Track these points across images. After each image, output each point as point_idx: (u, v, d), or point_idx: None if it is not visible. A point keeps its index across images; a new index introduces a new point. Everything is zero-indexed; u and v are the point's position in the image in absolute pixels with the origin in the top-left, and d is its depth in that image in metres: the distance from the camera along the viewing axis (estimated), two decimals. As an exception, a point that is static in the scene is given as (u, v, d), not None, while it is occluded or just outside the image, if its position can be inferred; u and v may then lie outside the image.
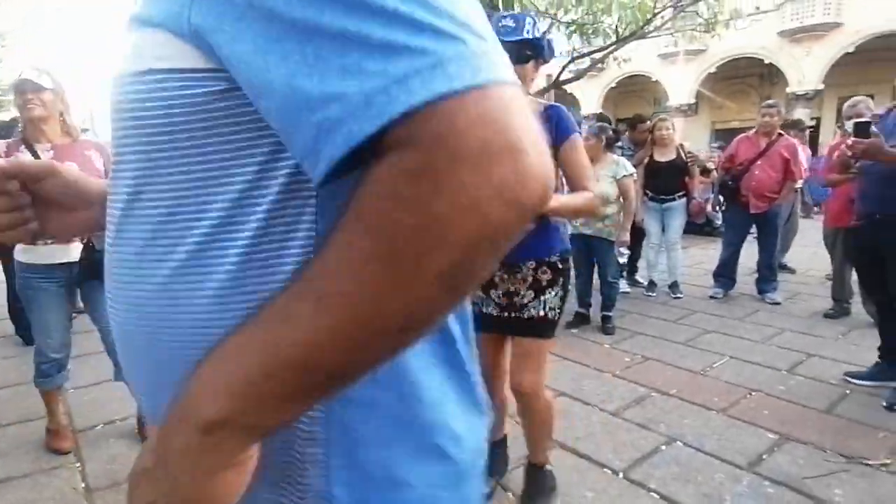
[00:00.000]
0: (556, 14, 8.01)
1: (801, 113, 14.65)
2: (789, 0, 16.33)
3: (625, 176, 3.64)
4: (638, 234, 4.57)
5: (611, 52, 8.58)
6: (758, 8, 16.53)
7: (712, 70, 18.58)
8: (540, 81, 12.39)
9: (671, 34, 9.11)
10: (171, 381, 0.37)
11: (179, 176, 0.38)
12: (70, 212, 0.60)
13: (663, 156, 4.42)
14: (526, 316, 1.70)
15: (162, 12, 0.36)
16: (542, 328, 1.73)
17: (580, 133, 1.76)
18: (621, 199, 3.69)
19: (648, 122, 4.75)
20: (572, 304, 3.97)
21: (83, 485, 2.04)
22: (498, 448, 1.99)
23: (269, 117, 0.34)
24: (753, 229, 4.45)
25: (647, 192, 4.46)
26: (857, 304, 3.79)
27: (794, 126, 5.33)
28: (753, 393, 2.74)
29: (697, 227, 7.25)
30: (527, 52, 1.53)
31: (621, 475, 2.06)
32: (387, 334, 0.32)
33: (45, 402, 2.27)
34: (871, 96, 10.30)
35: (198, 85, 0.36)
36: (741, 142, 4.45)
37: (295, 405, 0.34)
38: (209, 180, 0.38)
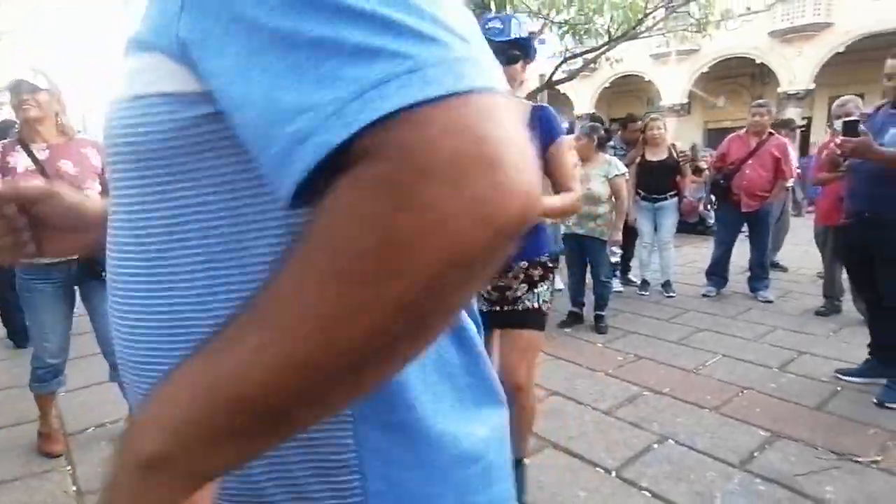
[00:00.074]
0: (548, 14, 8.04)
1: (793, 112, 14.76)
2: (780, 0, 16.47)
3: (616, 175, 3.65)
4: (631, 233, 4.59)
5: (603, 53, 8.62)
6: (749, 8, 16.67)
7: (705, 70, 18.69)
8: (533, 82, 12.44)
9: (663, 34, 9.16)
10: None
11: (177, 202, 0.38)
12: (70, 233, 0.59)
13: (655, 155, 4.44)
14: (521, 308, 1.74)
15: (153, 32, 0.36)
16: (538, 319, 1.77)
17: (565, 135, 1.80)
18: (613, 199, 3.70)
19: (640, 122, 4.77)
20: (566, 304, 3.98)
21: (74, 488, 2.03)
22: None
23: (244, 134, 0.32)
24: (745, 228, 4.48)
25: (639, 191, 4.48)
26: (847, 302, 3.82)
27: (784, 125, 5.36)
28: (745, 391, 2.76)
29: (690, 226, 7.28)
30: (515, 52, 1.54)
31: (614, 474, 2.07)
32: (339, 371, 0.28)
33: (39, 405, 2.26)
34: (862, 95, 10.40)
35: (188, 108, 0.35)
36: (732, 141, 4.48)
37: (239, 447, 0.30)
38: (208, 205, 0.37)
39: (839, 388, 2.75)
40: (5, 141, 2.18)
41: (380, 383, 0.31)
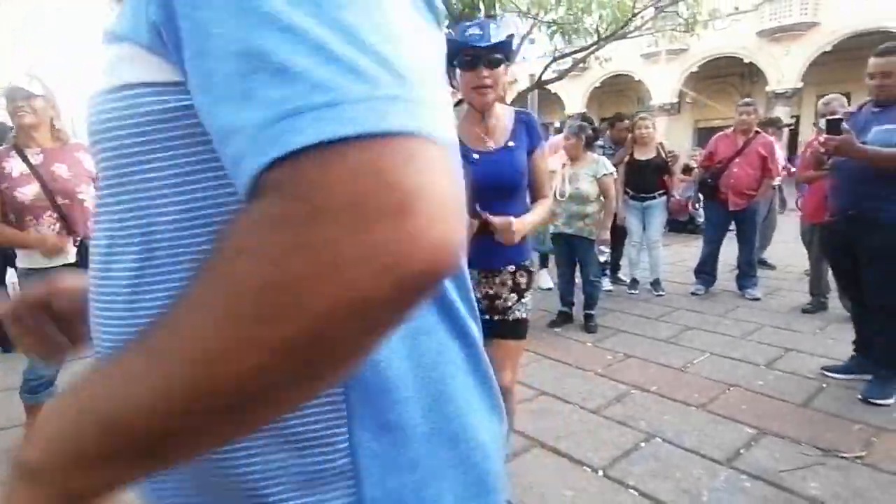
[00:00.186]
0: (537, 14, 8.06)
1: (781, 111, 14.91)
2: (767, 0, 16.62)
3: (605, 174, 3.66)
4: (620, 232, 4.60)
5: (592, 52, 8.66)
6: (737, 8, 16.82)
7: (694, 69, 18.83)
8: (523, 82, 12.48)
9: (651, 34, 9.22)
10: None
11: (164, 199, 0.36)
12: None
13: (644, 154, 4.45)
14: (512, 318, 1.77)
15: (126, 21, 0.35)
16: (525, 329, 1.82)
17: (545, 142, 1.87)
18: (602, 198, 3.71)
19: (627, 121, 4.79)
20: (555, 303, 3.99)
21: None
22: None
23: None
24: (733, 226, 4.51)
25: (628, 190, 4.50)
26: (834, 299, 3.85)
27: (771, 124, 5.40)
28: (732, 388, 2.77)
29: (680, 225, 7.34)
30: (496, 56, 1.54)
31: (601, 473, 2.07)
32: (218, 407, 0.27)
33: (27, 411, 2.25)
34: (849, 94, 10.53)
35: (169, 99, 0.34)
36: (720, 140, 4.51)
37: (116, 470, 0.29)
38: (197, 202, 0.36)
39: (825, 385, 2.77)
40: (0, 147, 2.21)
41: (267, 422, 0.31)
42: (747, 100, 4.55)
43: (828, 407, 2.54)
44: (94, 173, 2.14)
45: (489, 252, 1.69)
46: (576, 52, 8.87)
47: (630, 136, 4.60)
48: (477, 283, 1.73)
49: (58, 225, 2.14)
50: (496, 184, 1.64)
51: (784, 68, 16.79)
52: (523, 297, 1.78)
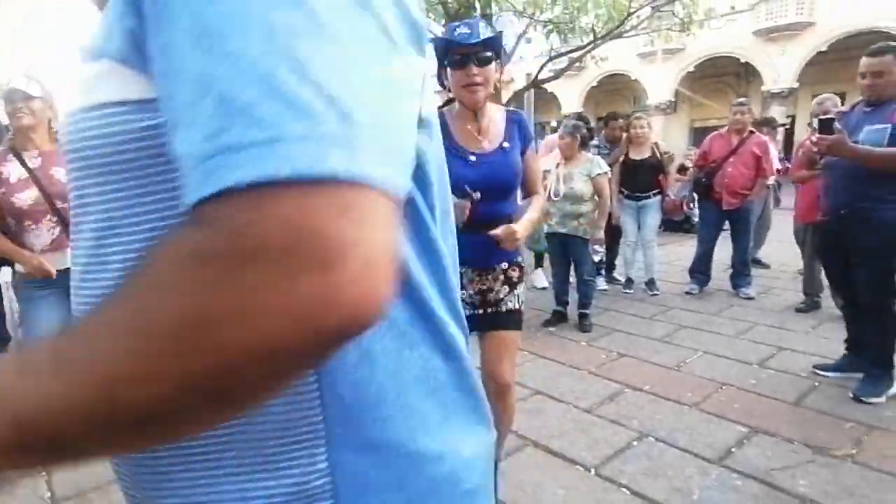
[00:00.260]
0: (533, 14, 8.07)
1: (777, 111, 14.97)
2: (763, 0, 16.66)
3: (599, 174, 3.67)
4: (615, 232, 4.62)
5: (588, 51, 8.67)
6: (733, 8, 16.86)
7: (690, 69, 18.87)
8: (519, 81, 12.46)
9: (647, 34, 9.23)
10: None
11: (139, 217, 0.36)
12: None
13: (638, 154, 4.46)
14: (505, 309, 1.79)
15: (104, 37, 0.35)
16: (518, 320, 1.83)
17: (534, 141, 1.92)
18: (596, 198, 3.72)
19: (621, 119, 4.79)
20: (550, 303, 3.99)
21: (49, 494, 2.00)
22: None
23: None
24: (727, 226, 4.52)
25: (623, 190, 4.50)
26: (827, 298, 3.86)
27: (766, 124, 5.42)
28: (725, 387, 2.78)
29: (676, 224, 7.35)
30: (486, 54, 1.54)
31: (593, 472, 2.07)
32: (113, 422, 0.27)
33: None
34: (844, 94, 10.56)
35: (143, 118, 0.34)
36: (714, 139, 4.52)
37: (13, 460, 0.30)
38: (172, 219, 0.35)
39: (817, 384, 2.78)
40: None
41: (171, 442, 0.31)
42: (741, 99, 4.56)
43: (819, 405, 2.55)
44: None
45: (482, 251, 1.71)
46: (572, 51, 8.87)
47: (625, 135, 4.61)
48: (470, 281, 1.74)
49: (57, 229, 2.12)
50: (493, 184, 1.66)
51: (780, 68, 16.84)
52: (515, 288, 1.80)
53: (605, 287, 4.76)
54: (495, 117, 1.71)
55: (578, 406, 2.61)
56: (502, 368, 1.79)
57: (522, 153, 1.74)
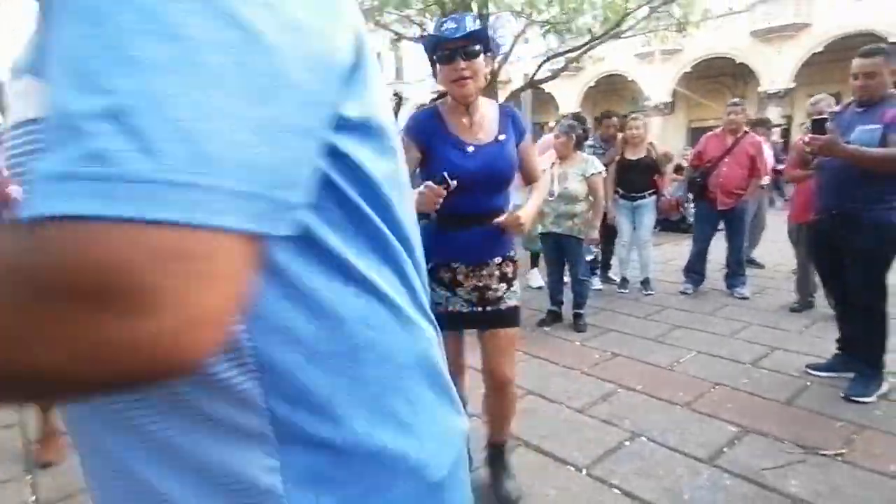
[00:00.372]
0: (530, 14, 8.08)
1: (774, 111, 15.01)
2: (760, 1, 16.71)
3: (594, 174, 3.67)
4: (611, 232, 4.62)
5: (585, 51, 8.68)
6: (730, 8, 16.89)
7: (688, 69, 18.91)
8: (517, 81, 12.45)
9: (644, 34, 9.25)
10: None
11: None
12: None
13: (634, 154, 4.47)
14: (504, 307, 1.79)
15: (28, 54, 0.34)
16: (517, 316, 1.84)
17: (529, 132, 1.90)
18: (590, 198, 3.72)
19: (615, 118, 4.79)
20: (545, 302, 3.99)
21: (34, 498, 1.98)
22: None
23: None
24: (722, 225, 4.53)
25: (618, 190, 4.51)
26: (821, 298, 3.87)
27: (761, 124, 5.44)
28: (717, 387, 2.78)
29: (673, 224, 7.36)
30: (474, 46, 1.54)
31: (584, 472, 2.07)
32: None
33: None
34: (839, 94, 10.60)
35: None
36: (709, 139, 4.52)
37: None
38: None
39: (809, 383, 2.78)
40: None
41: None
42: (735, 100, 4.57)
43: (811, 405, 2.55)
44: None
45: (475, 246, 1.71)
46: (569, 51, 8.88)
47: (621, 135, 4.62)
48: (465, 277, 1.74)
49: None
50: (491, 176, 1.66)
51: (776, 69, 16.89)
52: (512, 285, 1.80)
53: (601, 287, 4.76)
54: (488, 111, 1.71)
55: (571, 406, 2.61)
56: (503, 366, 1.83)
57: (518, 143, 1.75)
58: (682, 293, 4.53)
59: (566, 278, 3.96)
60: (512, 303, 1.80)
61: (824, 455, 2.12)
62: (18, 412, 2.37)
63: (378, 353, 0.41)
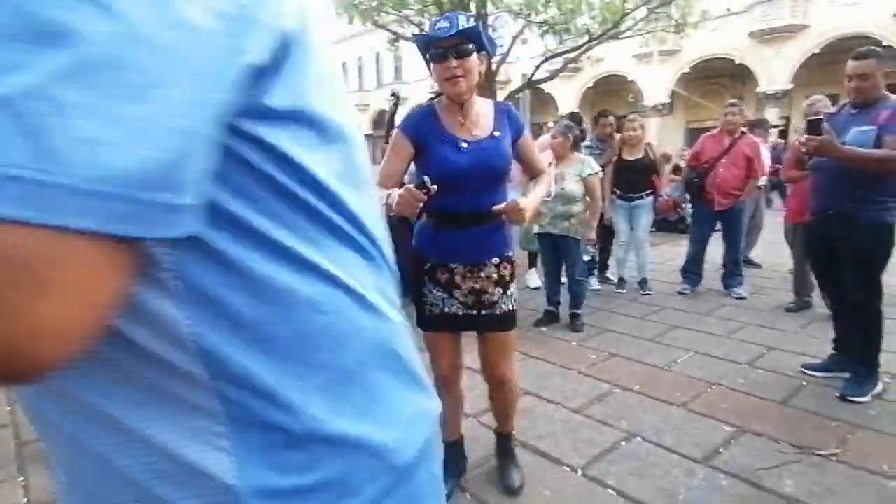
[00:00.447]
0: (528, 15, 8.08)
1: (772, 112, 15.04)
2: (758, 2, 16.74)
3: (590, 174, 3.67)
4: (609, 232, 4.62)
5: (583, 52, 8.69)
6: (728, 10, 16.92)
7: (686, 70, 18.94)
8: (516, 82, 12.45)
9: (642, 35, 9.26)
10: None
11: None
12: None
13: (632, 154, 4.47)
14: (499, 312, 1.78)
15: None
16: (514, 319, 1.84)
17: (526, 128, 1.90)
18: (587, 198, 3.72)
19: (611, 117, 4.81)
20: (542, 302, 3.99)
21: (25, 500, 1.97)
22: (454, 449, 1.98)
23: None
24: (719, 226, 4.53)
25: (616, 190, 4.51)
26: (817, 298, 3.87)
27: (758, 125, 5.44)
28: (714, 387, 2.78)
29: (671, 224, 7.36)
30: (466, 45, 1.53)
31: (580, 472, 2.07)
32: None
33: None
34: (837, 95, 10.62)
35: None
36: (706, 140, 4.53)
37: None
38: None
39: (804, 383, 2.79)
40: None
41: None
42: (732, 101, 4.58)
43: (806, 405, 2.56)
44: None
45: (472, 246, 1.71)
46: (567, 52, 8.90)
47: (619, 136, 4.62)
48: (462, 278, 1.73)
49: None
50: (485, 171, 1.65)
51: (775, 70, 16.92)
52: (508, 289, 1.79)
53: (598, 287, 4.77)
54: (483, 109, 1.71)
55: (567, 406, 2.61)
56: (501, 367, 1.86)
57: (515, 141, 1.75)
58: (680, 293, 4.54)
59: (563, 279, 3.96)
60: (507, 307, 1.79)
61: (819, 455, 2.12)
62: (11, 413, 2.36)
63: (332, 338, 0.41)
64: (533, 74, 8.79)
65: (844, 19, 15.13)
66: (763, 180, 4.85)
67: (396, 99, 4.05)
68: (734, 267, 4.51)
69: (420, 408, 0.48)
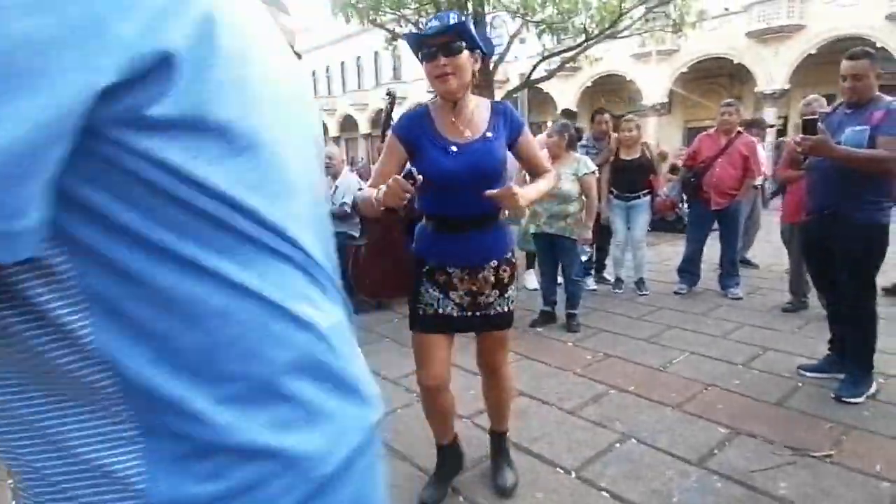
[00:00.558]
0: (526, 14, 8.08)
1: (770, 112, 15.04)
2: (757, 2, 16.75)
3: (586, 174, 3.66)
4: (606, 232, 4.61)
5: (581, 51, 8.68)
6: (726, 9, 16.92)
7: (684, 70, 18.93)
8: (514, 82, 12.46)
9: (640, 34, 9.26)
10: None
11: None
12: None
13: (628, 154, 4.47)
14: (493, 313, 1.78)
15: None
16: (509, 320, 1.84)
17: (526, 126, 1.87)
18: (583, 197, 3.71)
19: (608, 115, 4.79)
20: (539, 303, 3.98)
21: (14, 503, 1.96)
22: (449, 451, 1.96)
23: None
24: (716, 225, 4.52)
25: (613, 190, 4.51)
26: (814, 298, 3.87)
27: (755, 125, 5.44)
28: (709, 388, 2.77)
29: (669, 224, 7.35)
30: (456, 42, 1.51)
31: (573, 474, 2.06)
32: None
33: None
34: (834, 96, 10.63)
35: None
36: (703, 139, 4.53)
37: None
38: None
39: (800, 384, 2.78)
40: None
41: None
42: (729, 100, 4.57)
43: (801, 406, 2.55)
44: None
45: (470, 250, 1.69)
46: (564, 51, 8.89)
47: (615, 136, 4.61)
48: (460, 281, 1.72)
49: None
50: (475, 174, 1.61)
51: (772, 69, 16.93)
52: (506, 292, 1.77)
53: (595, 287, 4.76)
54: (478, 108, 1.68)
55: (562, 408, 2.60)
56: (496, 359, 1.90)
57: (513, 142, 1.72)
58: (677, 293, 4.53)
59: (560, 279, 3.95)
60: (503, 309, 1.78)
61: (813, 457, 2.11)
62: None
63: (244, 349, 0.41)
64: (531, 74, 8.78)
65: (840, 20, 15.16)
66: (759, 180, 4.85)
67: (392, 98, 4.04)
68: (731, 267, 4.50)
69: (349, 416, 0.47)
